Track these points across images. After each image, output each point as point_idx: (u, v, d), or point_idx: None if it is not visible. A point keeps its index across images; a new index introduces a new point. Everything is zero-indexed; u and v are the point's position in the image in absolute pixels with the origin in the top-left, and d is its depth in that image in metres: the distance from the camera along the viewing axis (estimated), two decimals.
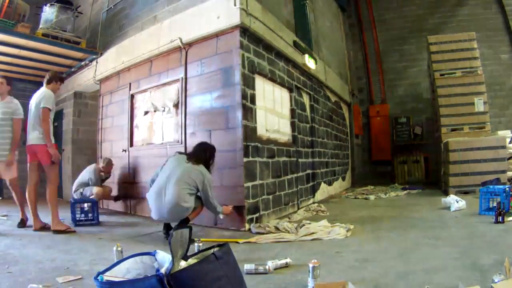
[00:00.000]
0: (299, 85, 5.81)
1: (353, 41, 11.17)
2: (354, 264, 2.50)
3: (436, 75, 6.74)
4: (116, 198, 5.57)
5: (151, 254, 1.78)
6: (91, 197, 4.85)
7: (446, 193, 5.78)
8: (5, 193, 7.22)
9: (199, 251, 1.81)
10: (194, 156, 3.42)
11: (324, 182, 6.83)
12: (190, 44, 4.56)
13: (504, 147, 5.74)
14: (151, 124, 5.21)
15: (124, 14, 5.94)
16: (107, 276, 1.60)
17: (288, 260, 2.51)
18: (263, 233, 3.60)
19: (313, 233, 3.45)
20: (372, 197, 6.52)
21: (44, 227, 3.95)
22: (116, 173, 5.72)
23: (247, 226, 3.89)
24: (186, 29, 4.54)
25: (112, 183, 5.79)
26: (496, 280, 1.75)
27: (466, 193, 5.62)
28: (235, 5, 4.00)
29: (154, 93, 5.12)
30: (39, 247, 3.19)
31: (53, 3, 6.05)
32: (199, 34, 4.38)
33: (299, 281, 2.17)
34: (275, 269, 2.42)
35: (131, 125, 5.48)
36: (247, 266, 2.36)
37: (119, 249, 2.49)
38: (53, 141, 3.91)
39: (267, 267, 2.37)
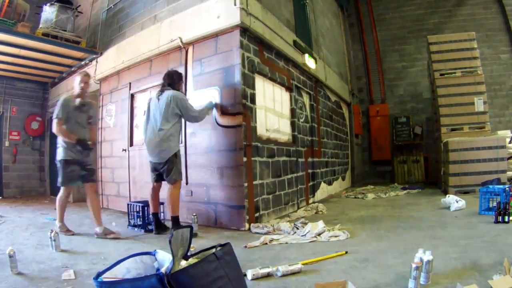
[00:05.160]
0: (299, 85, 5.81)
1: (353, 41, 11.16)
2: (354, 264, 2.49)
3: (436, 75, 6.73)
4: None
5: (151, 253, 1.78)
6: None
7: (446, 193, 5.77)
8: (5, 193, 7.23)
9: (200, 251, 1.80)
10: (163, 85, 3.84)
11: (324, 182, 6.83)
12: (190, 44, 4.55)
13: (504, 147, 5.74)
14: None
15: (124, 14, 5.94)
16: (107, 277, 1.60)
17: (300, 265, 2.34)
18: (262, 233, 3.60)
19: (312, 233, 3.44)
20: (372, 196, 6.52)
21: None
22: (116, 173, 5.72)
23: (247, 225, 3.89)
24: (186, 29, 4.53)
25: (112, 182, 5.79)
26: None
27: (466, 193, 5.62)
28: (235, 4, 4.00)
29: (154, 92, 5.11)
30: (39, 247, 3.20)
31: (53, 2, 6.04)
32: (199, 33, 4.38)
33: (299, 281, 2.17)
34: (284, 275, 2.25)
35: (131, 125, 5.48)
36: (251, 271, 2.23)
37: None
38: None
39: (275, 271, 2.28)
